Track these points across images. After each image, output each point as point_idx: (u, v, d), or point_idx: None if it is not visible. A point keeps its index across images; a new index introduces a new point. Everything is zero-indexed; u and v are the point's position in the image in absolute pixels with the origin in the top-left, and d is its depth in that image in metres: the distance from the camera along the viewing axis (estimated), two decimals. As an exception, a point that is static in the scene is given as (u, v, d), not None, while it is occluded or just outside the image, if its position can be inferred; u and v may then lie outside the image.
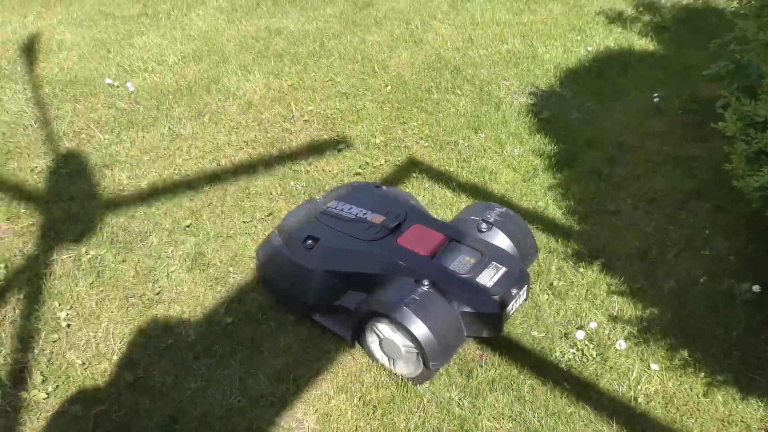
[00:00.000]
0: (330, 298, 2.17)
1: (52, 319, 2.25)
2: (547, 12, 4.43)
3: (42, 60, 3.95)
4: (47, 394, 2.01)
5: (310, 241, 2.19)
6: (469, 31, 4.22)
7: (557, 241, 2.56)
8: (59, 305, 2.31)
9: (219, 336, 2.20)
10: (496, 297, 1.97)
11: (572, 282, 2.39)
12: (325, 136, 3.26)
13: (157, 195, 2.86)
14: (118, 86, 3.68)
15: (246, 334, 2.21)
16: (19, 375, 2.07)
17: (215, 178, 2.98)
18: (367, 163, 3.06)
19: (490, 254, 2.09)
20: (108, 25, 4.44)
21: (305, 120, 3.40)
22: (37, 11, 4.66)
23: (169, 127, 3.31)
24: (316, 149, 3.17)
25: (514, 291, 2.02)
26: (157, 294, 2.37)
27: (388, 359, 2.08)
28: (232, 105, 3.51)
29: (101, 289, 2.38)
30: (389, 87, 3.65)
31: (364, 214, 2.27)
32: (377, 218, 2.24)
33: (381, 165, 3.04)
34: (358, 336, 2.12)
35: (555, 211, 2.74)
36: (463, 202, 2.79)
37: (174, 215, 2.73)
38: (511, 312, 2.06)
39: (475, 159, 3.05)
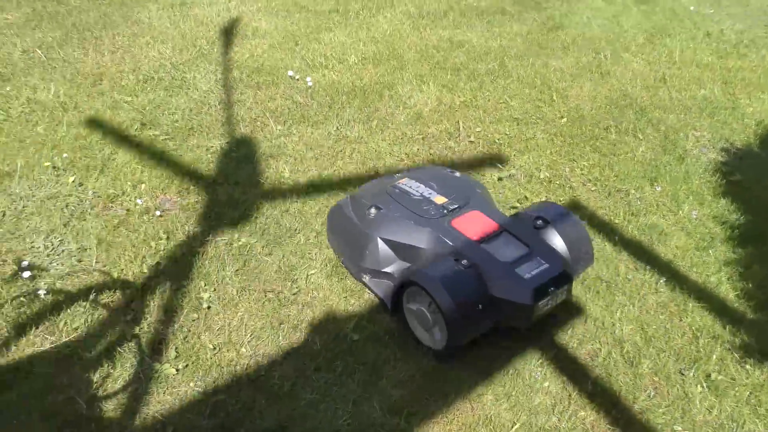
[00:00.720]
0: (381, 264, 2.32)
1: (195, 298, 2.37)
2: (759, 58, 3.97)
3: (236, 44, 4.20)
4: (176, 370, 2.11)
5: (373, 210, 2.37)
6: (663, 70, 3.89)
7: (724, 327, 2.27)
8: (204, 285, 2.42)
9: (342, 351, 2.19)
10: (529, 289, 2.01)
11: (734, 379, 2.09)
12: (488, 162, 3.15)
13: (313, 194, 2.92)
14: (298, 79, 3.81)
15: (369, 355, 2.18)
16: (158, 346, 2.19)
17: (370, 186, 2.98)
18: (526, 197, 2.91)
19: (536, 249, 2.15)
20: (301, 17, 4.63)
21: (471, 141, 3.31)
22: (242, -4, 4.98)
23: (337, 127, 3.37)
24: (475, 173, 3.07)
25: (552, 288, 2.05)
26: (294, 294, 2.41)
27: (420, 329, 2.19)
28: (401, 114, 3.51)
29: (244, 277, 2.47)
30: (564, 119, 3.45)
31: (429, 194, 2.42)
32: (440, 199, 2.39)
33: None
34: (396, 304, 2.25)
35: (728, 291, 2.43)
36: (623, 260, 2.56)
37: (324, 217, 2.76)
38: (546, 308, 2.09)
39: (645, 214, 2.79)
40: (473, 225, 2.25)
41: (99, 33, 4.24)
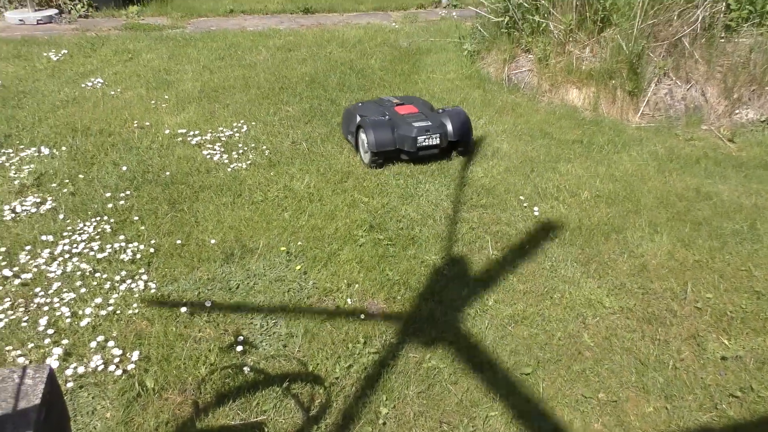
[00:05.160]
0: (354, 126, 4.37)
1: (374, 411, 2.43)
2: None
3: (475, 162, 4.38)
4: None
5: (360, 104, 4.58)
6: None
7: None
8: (385, 400, 2.48)
9: None
10: (414, 128, 4.12)
11: None
12: (710, 338, 2.83)
13: (513, 325, 2.86)
14: (525, 207, 3.84)
15: None
16: (329, 450, 2.28)
17: (573, 341, 2.84)
18: (752, 388, 2.54)
19: (428, 117, 4.28)
20: (542, 143, 4.69)
21: (697, 307, 3.01)
22: (490, 116, 5.21)
23: (551, 265, 3.31)
24: (688, 348, 2.77)
25: (428, 132, 4.13)
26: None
27: (363, 152, 4.28)
28: (624, 262, 3.33)
29: (425, 402, 2.48)
30: (821, 306, 2.98)
31: (394, 100, 4.63)
32: (396, 100, 4.62)
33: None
34: (356, 140, 4.35)
35: None
36: None
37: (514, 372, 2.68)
38: (424, 143, 4.14)
39: None
40: (404, 109, 4.40)
41: (356, 135, 4.73)
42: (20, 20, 8.07)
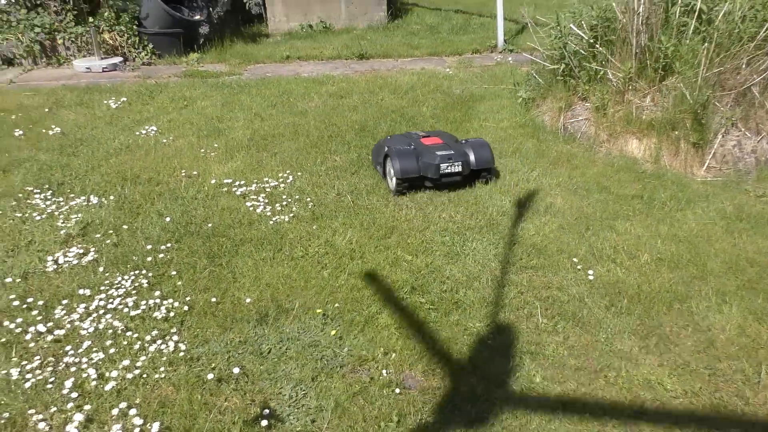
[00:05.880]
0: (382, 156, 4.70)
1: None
2: None
3: (526, 218, 4.16)
4: None
5: (389, 137, 4.87)
6: None
7: None
8: (418, 491, 2.26)
9: None
10: (437, 155, 4.42)
11: None
12: (792, 430, 2.50)
13: (562, 412, 2.61)
14: (579, 269, 3.59)
15: None
16: None
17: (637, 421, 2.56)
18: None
19: (451, 147, 4.58)
20: (599, 198, 4.44)
21: (774, 393, 2.69)
22: (544, 167, 4.99)
23: (606, 337, 3.04)
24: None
25: (449, 160, 4.41)
26: None
27: (389, 179, 4.57)
28: (689, 337, 3.03)
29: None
30: None
31: (421, 133, 4.93)
32: (422, 133, 4.93)
33: None
34: (384, 168, 4.66)
35: None
36: None
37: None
38: (447, 170, 4.42)
39: None
40: (429, 140, 4.67)
41: (403, 187, 4.59)
42: (87, 68, 8.39)
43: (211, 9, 9.74)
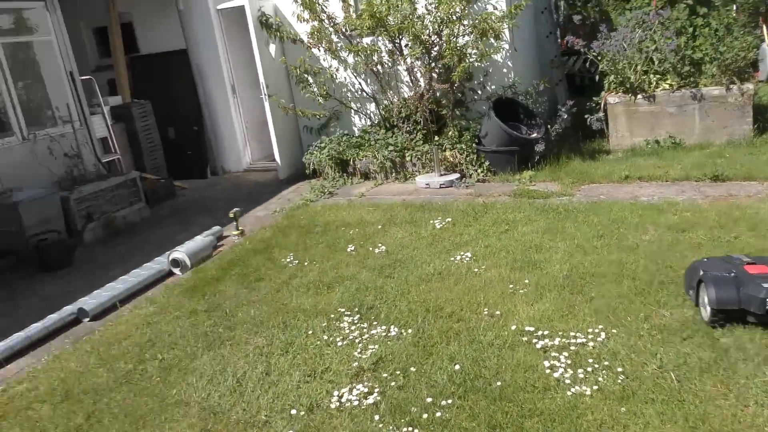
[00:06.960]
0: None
1: None
2: None
3: None
4: None
5: (705, 259, 4.37)
6: None
7: None
8: None
9: None
10: (764, 290, 3.72)
11: None
12: None
13: None
14: None
15: None
16: None
17: None
18: None
19: None
20: None
21: None
22: None
23: None
24: None
25: None
26: None
27: (702, 308, 4.08)
28: None
29: None
30: None
31: (745, 258, 4.17)
32: (747, 259, 4.15)
33: None
34: (696, 296, 4.15)
35: None
36: None
37: None
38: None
39: None
40: (756, 269, 3.96)
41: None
42: (426, 184, 8.87)
43: (549, 126, 9.58)
